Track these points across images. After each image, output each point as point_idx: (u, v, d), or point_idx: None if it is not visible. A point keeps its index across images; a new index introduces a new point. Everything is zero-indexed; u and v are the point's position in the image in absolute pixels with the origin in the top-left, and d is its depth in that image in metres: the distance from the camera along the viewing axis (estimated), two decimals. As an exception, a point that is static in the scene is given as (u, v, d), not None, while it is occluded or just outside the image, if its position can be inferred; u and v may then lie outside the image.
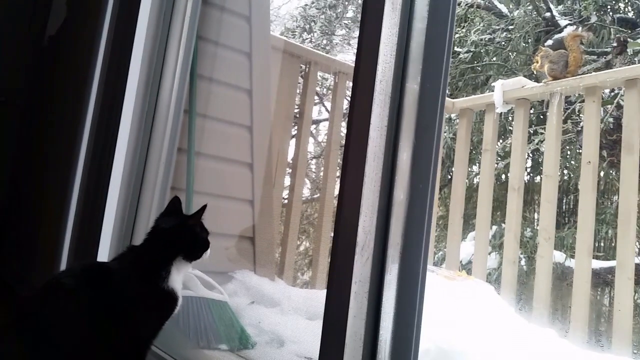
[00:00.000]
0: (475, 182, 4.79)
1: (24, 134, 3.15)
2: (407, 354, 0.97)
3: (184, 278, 1.75)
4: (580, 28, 4.85)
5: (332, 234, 1.04)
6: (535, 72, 3.46)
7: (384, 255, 0.99)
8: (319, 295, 1.02)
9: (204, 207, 1.35)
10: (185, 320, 1.77)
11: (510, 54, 5.44)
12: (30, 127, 3.08)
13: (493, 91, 3.25)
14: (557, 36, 4.93)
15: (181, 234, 1.31)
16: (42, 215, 2.55)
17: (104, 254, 1.83)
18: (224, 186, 2.39)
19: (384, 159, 0.99)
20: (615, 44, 4.49)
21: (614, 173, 4.47)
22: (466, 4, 5.64)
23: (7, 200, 3.09)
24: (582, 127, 3.46)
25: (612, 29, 4.89)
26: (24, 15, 3.21)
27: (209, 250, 1.35)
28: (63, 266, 2.09)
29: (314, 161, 5.78)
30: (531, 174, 5.00)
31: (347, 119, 1.06)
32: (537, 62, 3.20)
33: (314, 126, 5.96)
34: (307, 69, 3.03)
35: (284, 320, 2.07)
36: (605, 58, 4.71)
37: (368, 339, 0.96)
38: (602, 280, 3.99)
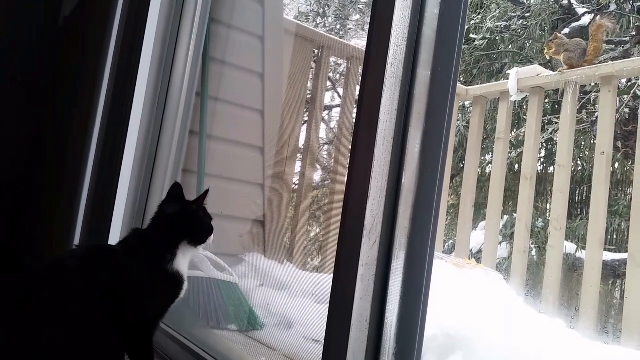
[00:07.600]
0: (487, 171, 4.76)
1: (40, 114, 3.19)
2: (413, 336, 0.98)
3: (195, 260, 1.78)
4: (599, 17, 4.75)
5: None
6: (548, 57, 3.41)
7: (391, 239, 0.99)
8: (328, 280, 1.03)
9: (206, 192, 1.35)
10: (195, 300, 1.80)
11: (526, 42, 5.37)
12: (46, 107, 3.12)
13: (508, 79, 3.22)
14: (575, 24, 4.85)
15: (184, 219, 1.31)
16: (56, 195, 2.58)
17: (116, 234, 1.85)
18: (235, 169, 2.40)
19: (393, 142, 0.99)
20: (634, 33, 4.40)
21: (629, 164, 4.42)
22: (482, -10, 5.57)
23: (23, 179, 3.14)
24: (597, 117, 3.41)
25: (631, 18, 4.79)
26: (39, -3, 3.23)
27: (212, 236, 1.35)
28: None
29: (325, 147, 5.77)
30: (544, 164, 4.96)
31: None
32: (552, 48, 3.16)
33: (326, 112, 5.94)
34: (319, 54, 3.01)
35: (292, 303, 2.09)
36: (623, 47, 4.63)
37: (374, 321, 0.97)
38: (614, 273, 3.96)
